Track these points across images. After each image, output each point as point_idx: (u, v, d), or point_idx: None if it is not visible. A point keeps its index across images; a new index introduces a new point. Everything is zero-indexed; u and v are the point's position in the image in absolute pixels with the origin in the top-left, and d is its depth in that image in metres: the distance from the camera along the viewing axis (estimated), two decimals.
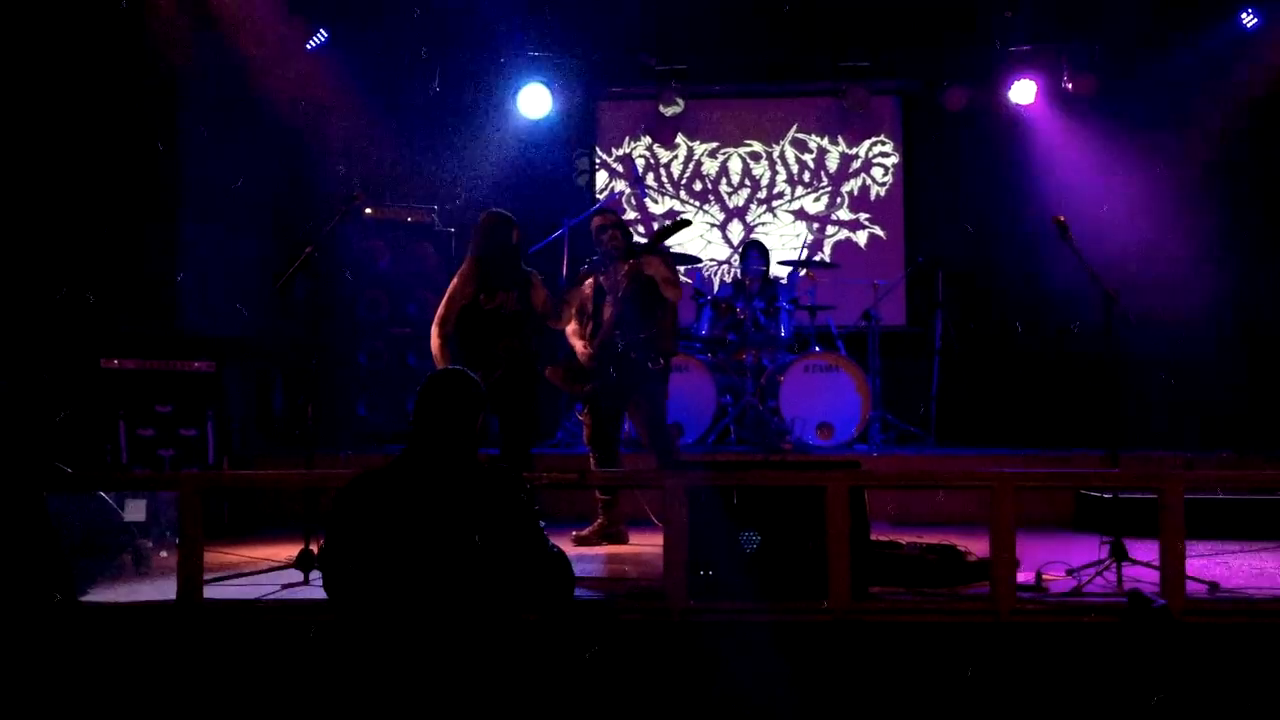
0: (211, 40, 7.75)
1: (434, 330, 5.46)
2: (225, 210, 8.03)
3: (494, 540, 2.95)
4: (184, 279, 7.65)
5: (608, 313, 5.91)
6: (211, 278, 7.75)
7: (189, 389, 6.47)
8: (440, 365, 5.38)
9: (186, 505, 4.42)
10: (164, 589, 4.54)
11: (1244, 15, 8.32)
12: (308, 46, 8.45)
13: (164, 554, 5.17)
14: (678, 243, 9.71)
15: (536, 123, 9.39)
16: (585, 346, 5.90)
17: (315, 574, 4.73)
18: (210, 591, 4.46)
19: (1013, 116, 9.28)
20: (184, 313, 7.58)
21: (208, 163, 7.89)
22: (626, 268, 5.87)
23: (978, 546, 4.71)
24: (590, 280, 6.06)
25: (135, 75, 7.17)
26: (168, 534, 5.22)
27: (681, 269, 9.53)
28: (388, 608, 2.89)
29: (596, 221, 6.04)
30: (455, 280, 5.52)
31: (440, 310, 5.49)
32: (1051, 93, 9.09)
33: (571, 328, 5.98)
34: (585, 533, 5.97)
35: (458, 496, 2.99)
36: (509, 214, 5.62)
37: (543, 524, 3.11)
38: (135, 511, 5.20)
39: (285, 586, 4.68)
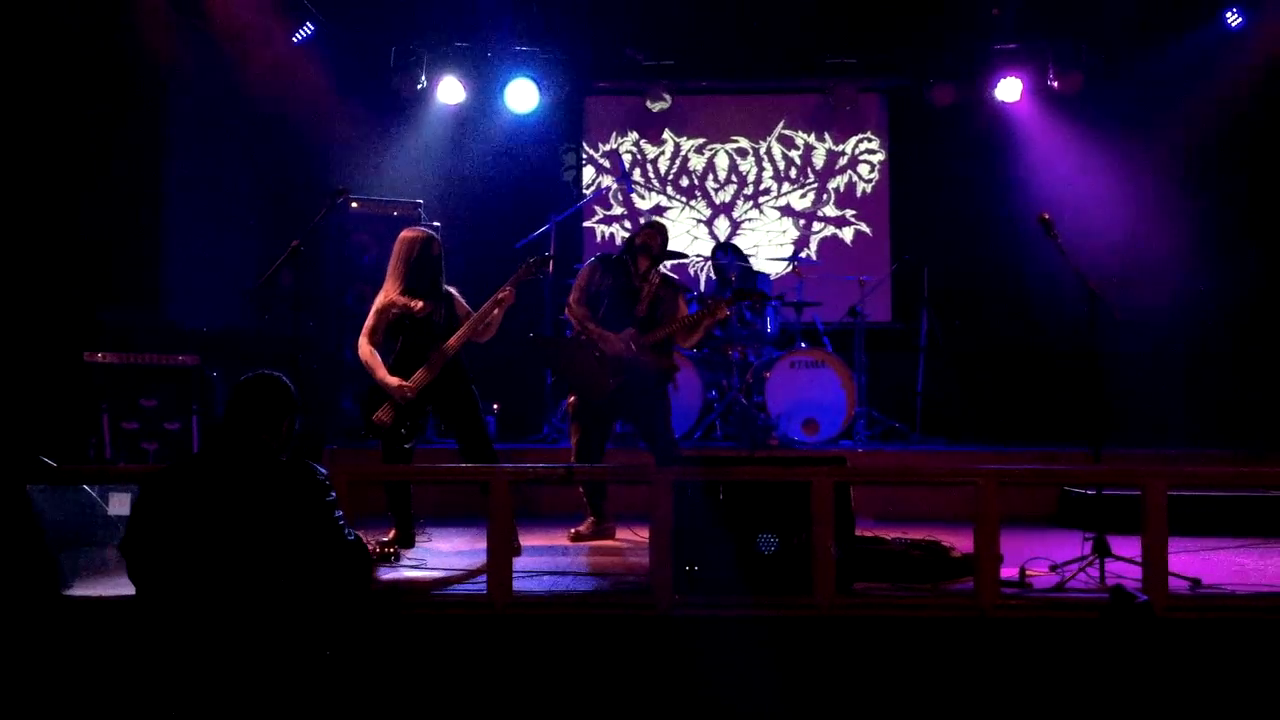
0: (198, 32, 7.72)
1: (362, 340, 5.48)
2: (211, 203, 8.01)
3: (288, 530, 3.11)
4: (169, 273, 7.62)
5: (641, 310, 5.97)
6: (197, 271, 7.73)
7: (173, 382, 6.45)
8: (374, 373, 5.43)
9: None
10: None
11: (1228, 15, 8.36)
12: (294, 40, 8.42)
13: None
14: None
15: (523, 117, 9.37)
16: (621, 341, 5.86)
17: None
18: None
19: (999, 114, 9.30)
20: (169, 306, 7.55)
21: (194, 155, 7.86)
22: (659, 276, 6.06)
23: (962, 542, 4.72)
24: (597, 269, 6.09)
25: (121, 67, 7.13)
26: None
27: (668, 263, 9.55)
28: (189, 595, 3.04)
29: (645, 226, 6.24)
30: (381, 294, 5.56)
31: (369, 321, 5.51)
32: (1037, 91, 9.11)
33: (583, 312, 5.99)
34: (582, 529, 5.97)
35: (252, 489, 3.14)
36: (429, 230, 5.73)
37: (339, 514, 3.25)
38: (119, 505, 5.17)
39: None
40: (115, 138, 7.12)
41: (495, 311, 5.49)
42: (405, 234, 5.65)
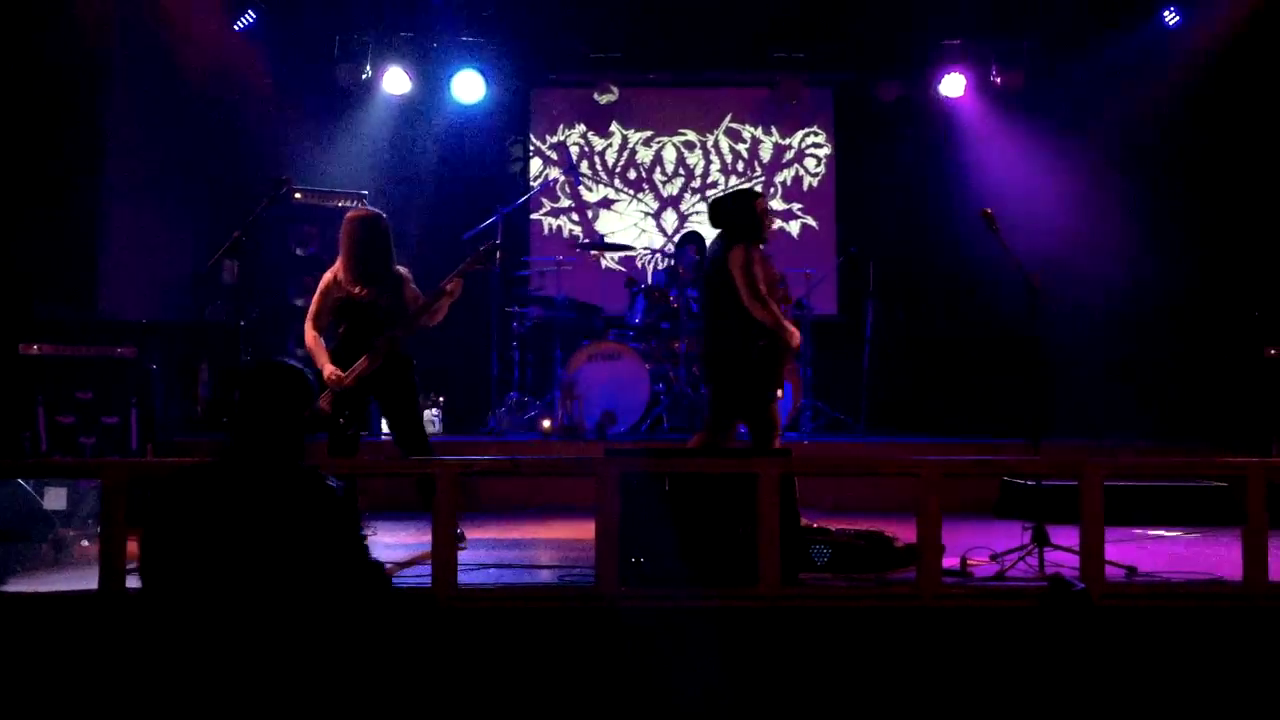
0: (137, 19, 7.58)
1: (307, 325, 5.41)
2: (151, 193, 7.87)
3: (307, 547, 2.92)
4: (107, 263, 7.49)
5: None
6: (135, 261, 7.60)
7: (111, 375, 6.33)
8: (316, 359, 5.33)
9: (110, 493, 4.33)
10: (85, 579, 4.44)
11: (1166, 13, 8.52)
12: (236, 27, 8.30)
13: (85, 543, 5.05)
14: (610, 231, 9.72)
15: (470, 109, 9.32)
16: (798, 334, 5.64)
17: None
18: (134, 582, 4.37)
19: (943, 110, 9.40)
20: (106, 297, 7.41)
21: (133, 145, 7.72)
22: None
23: (905, 532, 4.77)
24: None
25: (58, 55, 6.99)
26: (89, 523, 5.10)
27: (615, 255, 9.55)
28: (202, 607, 2.86)
29: (764, 204, 5.70)
30: (326, 275, 5.46)
31: (313, 305, 5.43)
32: (980, 87, 9.23)
33: (777, 306, 5.58)
34: None
35: (273, 501, 2.94)
36: (379, 211, 5.58)
37: (365, 534, 3.09)
38: (55, 500, 5.08)
39: None
40: (52, 127, 6.97)
41: (442, 301, 5.42)
42: (350, 214, 5.54)
